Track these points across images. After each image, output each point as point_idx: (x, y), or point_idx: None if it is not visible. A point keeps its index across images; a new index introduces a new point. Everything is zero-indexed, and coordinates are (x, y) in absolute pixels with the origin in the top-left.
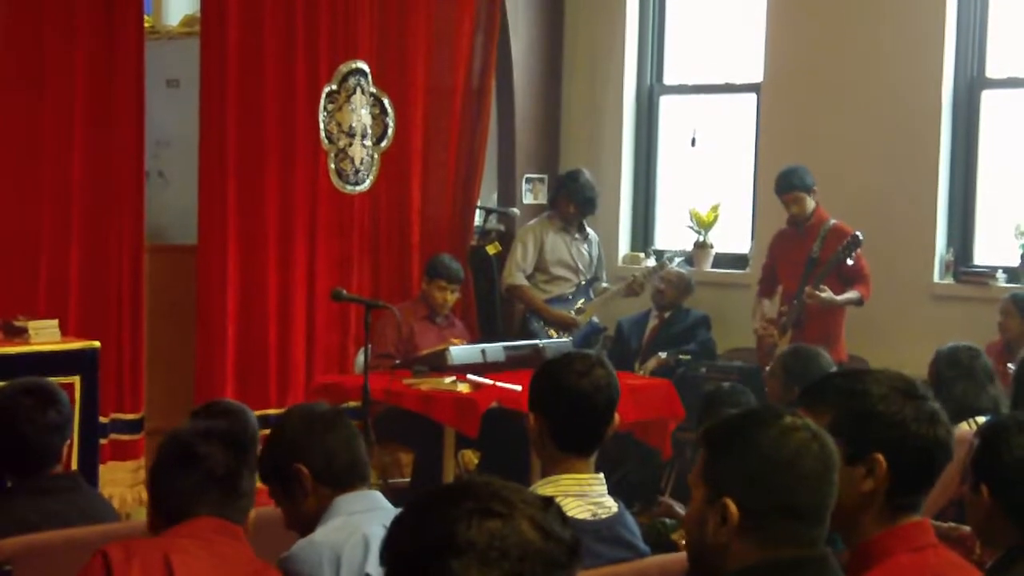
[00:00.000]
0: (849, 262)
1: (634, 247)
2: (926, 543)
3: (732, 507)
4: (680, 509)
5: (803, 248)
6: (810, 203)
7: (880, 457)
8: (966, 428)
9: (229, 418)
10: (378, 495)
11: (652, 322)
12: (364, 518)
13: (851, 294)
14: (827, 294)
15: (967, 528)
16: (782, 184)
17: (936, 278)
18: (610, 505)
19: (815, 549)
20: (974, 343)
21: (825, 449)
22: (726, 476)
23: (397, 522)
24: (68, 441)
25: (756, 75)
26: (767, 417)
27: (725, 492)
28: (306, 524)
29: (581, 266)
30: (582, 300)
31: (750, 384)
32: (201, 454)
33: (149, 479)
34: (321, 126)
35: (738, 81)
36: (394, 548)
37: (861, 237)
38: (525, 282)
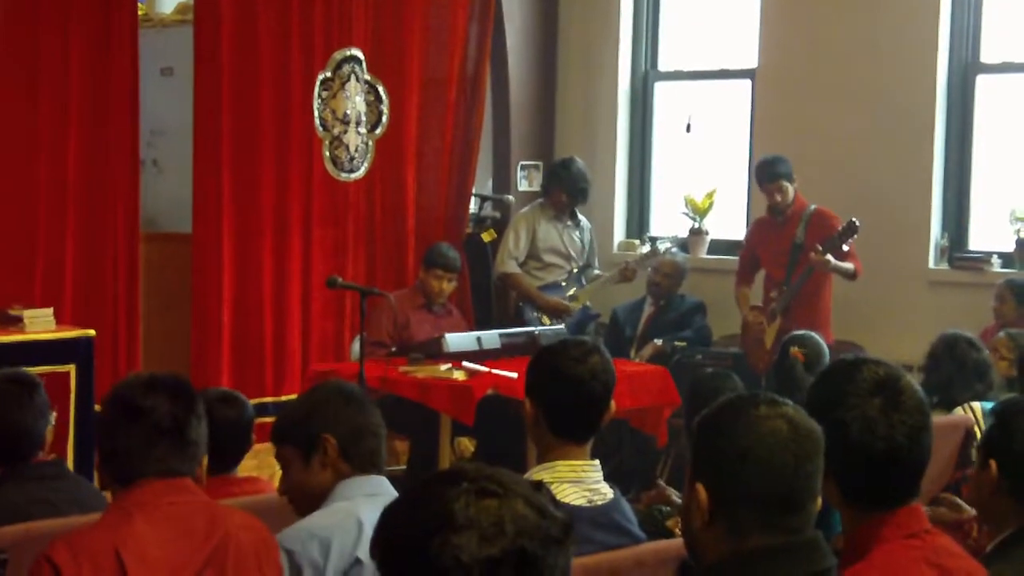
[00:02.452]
0: (845, 248)
1: (629, 234)
2: (919, 529)
3: (702, 493)
4: (676, 496)
5: (786, 235)
6: (792, 191)
7: None
8: (961, 413)
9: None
10: (384, 480)
11: (648, 310)
12: (363, 503)
13: (847, 264)
14: (832, 261)
15: (965, 511)
16: (767, 173)
17: (931, 264)
18: (606, 492)
19: (798, 535)
20: (976, 338)
21: (800, 437)
22: (699, 463)
23: (391, 508)
24: (50, 427)
25: (751, 61)
26: (741, 405)
27: (699, 479)
28: (311, 497)
29: (573, 253)
30: (575, 287)
31: (743, 370)
32: (146, 408)
33: (97, 437)
34: (316, 113)
35: (733, 67)
36: (390, 531)
37: (858, 224)
38: (517, 270)
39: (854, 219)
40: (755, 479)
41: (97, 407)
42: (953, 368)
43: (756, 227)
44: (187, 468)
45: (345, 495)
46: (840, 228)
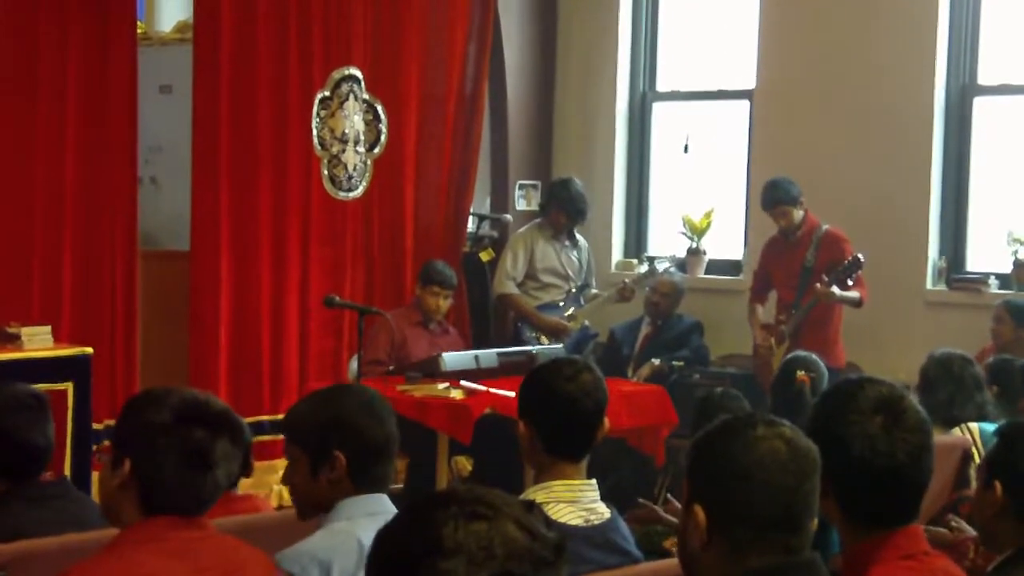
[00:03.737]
0: (849, 282)
1: (627, 254)
2: (918, 551)
3: (700, 514)
4: (663, 513)
5: (796, 256)
6: (797, 214)
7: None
8: (958, 434)
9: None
10: (384, 498)
11: (645, 329)
12: (364, 523)
13: (852, 293)
14: (837, 292)
15: (964, 532)
16: (766, 199)
17: (929, 285)
18: (602, 511)
19: (797, 555)
20: (968, 353)
21: (799, 457)
22: (697, 484)
23: (383, 532)
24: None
25: (749, 82)
26: (739, 426)
27: (697, 500)
28: (312, 503)
29: (571, 273)
30: (573, 307)
31: (743, 390)
32: (211, 460)
33: (126, 448)
34: (314, 132)
35: (731, 88)
36: (381, 555)
37: (863, 259)
38: (515, 290)
39: (859, 255)
40: (755, 499)
41: (109, 422)
42: (952, 386)
43: (769, 245)
44: (207, 508)
45: (346, 515)
46: (846, 262)
